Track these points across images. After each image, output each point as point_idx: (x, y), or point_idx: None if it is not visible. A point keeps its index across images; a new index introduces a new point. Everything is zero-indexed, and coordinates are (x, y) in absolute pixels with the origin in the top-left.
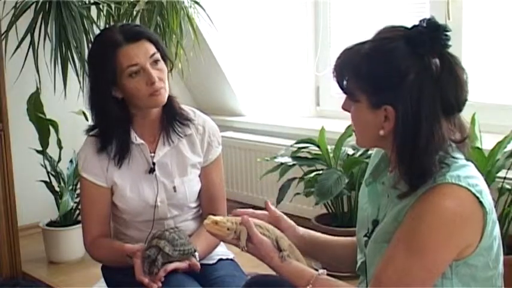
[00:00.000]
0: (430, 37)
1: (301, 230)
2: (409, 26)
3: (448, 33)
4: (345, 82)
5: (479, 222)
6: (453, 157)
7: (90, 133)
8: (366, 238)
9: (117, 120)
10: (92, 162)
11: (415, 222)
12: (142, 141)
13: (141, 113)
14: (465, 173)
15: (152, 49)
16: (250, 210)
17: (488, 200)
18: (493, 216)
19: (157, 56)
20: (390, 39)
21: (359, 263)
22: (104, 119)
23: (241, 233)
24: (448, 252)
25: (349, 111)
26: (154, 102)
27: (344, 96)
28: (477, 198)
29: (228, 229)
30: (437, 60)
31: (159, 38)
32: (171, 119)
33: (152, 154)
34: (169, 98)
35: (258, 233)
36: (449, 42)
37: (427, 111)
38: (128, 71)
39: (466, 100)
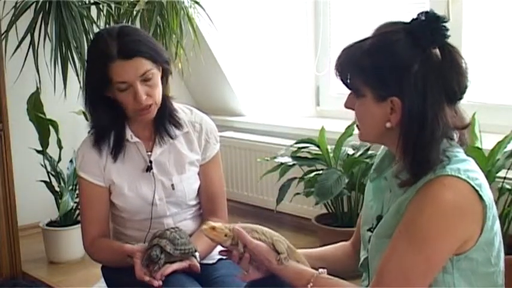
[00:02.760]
0: (430, 28)
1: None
2: (408, 20)
3: (446, 24)
4: (348, 79)
5: (479, 216)
6: (454, 151)
7: (88, 132)
8: (369, 233)
9: (111, 118)
10: (89, 161)
11: (416, 214)
12: (138, 140)
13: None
14: (465, 166)
15: (145, 67)
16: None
17: (487, 194)
18: (493, 211)
19: (150, 73)
20: (391, 33)
21: (362, 260)
22: (99, 117)
23: (239, 241)
24: (448, 243)
25: (352, 109)
26: (141, 118)
27: (346, 95)
28: (476, 191)
29: (225, 235)
30: (437, 51)
31: (158, 51)
32: (164, 120)
33: (149, 152)
34: (164, 98)
35: (252, 239)
36: (448, 33)
37: (432, 99)
38: (116, 86)
39: (467, 87)
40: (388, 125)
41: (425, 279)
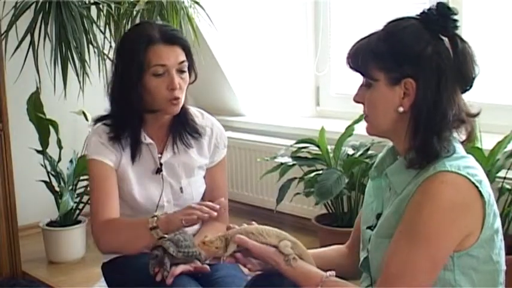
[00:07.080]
0: (440, 15)
1: None
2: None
3: (456, 16)
4: (361, 67)
5: (479, 212)
6: (456, 145)
7: (102, 122)
8: (369, 231)
9: (131, 114)
10: (104, 147)
11: (416, 212)
12: (151, 141)
13: (154, 115)
14: (465, 163)
15: (182, 57)
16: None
17: (487, 191)
18: (493, 208)
19: (185, 65)
20: (403, 21)
21: (361, 259)
22: (123, 108)
23: (229, 246)
24: (450, 239)
25: (361, 103)
26: (168, 109)
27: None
28: (476, 187)
29: (216, 247)
30: (447, 40)
31: (192, 48)
32: (181, 128)
33: (160, 155)
34: (183, 107)
35: (255, 243)
36: (458, 24)
37: (446, 81)
38: (154, 69)
39: (476, 76)
40: (400, 109)
41: (430, 276)
